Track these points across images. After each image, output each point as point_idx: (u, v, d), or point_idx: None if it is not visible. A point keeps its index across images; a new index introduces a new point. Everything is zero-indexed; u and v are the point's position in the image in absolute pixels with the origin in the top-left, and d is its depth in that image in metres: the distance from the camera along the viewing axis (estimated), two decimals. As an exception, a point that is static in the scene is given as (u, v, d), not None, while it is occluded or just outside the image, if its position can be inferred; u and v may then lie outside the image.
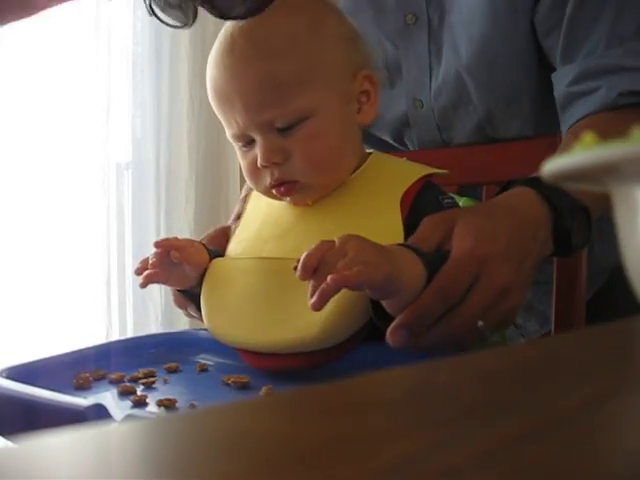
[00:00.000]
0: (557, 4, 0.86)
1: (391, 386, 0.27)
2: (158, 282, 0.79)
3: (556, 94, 0.88)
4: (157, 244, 0.78)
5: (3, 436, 0.54)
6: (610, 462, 0.18)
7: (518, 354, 0.33)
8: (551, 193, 0.67)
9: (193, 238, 0.86)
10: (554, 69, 0.89)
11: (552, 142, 0.87)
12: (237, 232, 0.83)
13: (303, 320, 0.70)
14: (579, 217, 0.68)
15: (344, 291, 0.65)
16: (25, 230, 1.54)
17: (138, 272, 0.77)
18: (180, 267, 0.78)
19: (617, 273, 0.97)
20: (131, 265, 1.59)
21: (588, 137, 0.28)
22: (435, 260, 0.63)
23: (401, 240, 0.69)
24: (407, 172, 0.75)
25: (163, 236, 1.58)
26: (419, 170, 0.75)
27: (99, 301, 1.62)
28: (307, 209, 0.77)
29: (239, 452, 0.18)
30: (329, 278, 0.57)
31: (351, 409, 0.23)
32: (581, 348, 0.34)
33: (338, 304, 0.68)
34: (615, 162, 0.25)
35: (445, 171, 0.76)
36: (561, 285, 0.87)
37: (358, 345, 0.73)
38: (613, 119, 0.80)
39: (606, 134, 0.78)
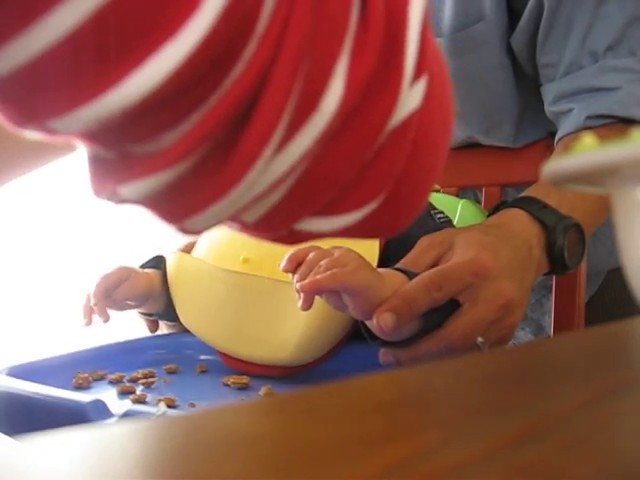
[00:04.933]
0: (532, 30, 0.85)
1: (390, 388, 0.27)
2: (100, 316, 0.80)
3: (545, 110, 0.87)
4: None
5: (3, 432, 0.54)
6: (609, 462, 0.18)
7: (517, 356, 0.33)
8: (541, 213, 0.68)
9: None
10: (535, 88, 0.89)
11: (551, 143, 0.87)
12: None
13: (277, 339, 0.70)
14: (571, 235, 0.68)
15: (318, 311, 0.64)
16: (25, 230, 1.54)
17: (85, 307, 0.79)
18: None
19: (614, 275, 0.97)
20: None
21: (587, 139, 0.28)
22: None
23: (375, 255, 0.69)
24: None
25: (163, 235, 1.58)
26: None
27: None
28: None
29: (238, 453, 0.18)
30: (301, 285, 0.57)
31: (350, 411, 0.23)
32: (579, 350, 0.34)
33: (311, 324, 0.68)
34: (614, 164, 0.25)
35: (437, 187, 0.77)
36: (560, 288, 0.87)
37: (338, 351, 0.73)
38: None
39: None
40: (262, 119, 0.24)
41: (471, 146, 0.99)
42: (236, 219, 0.29)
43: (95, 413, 0.52)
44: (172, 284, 0.80)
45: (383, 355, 0.63)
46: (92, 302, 0.79)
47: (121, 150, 0.26)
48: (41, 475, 0.17)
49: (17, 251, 1.53)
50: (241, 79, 0.24)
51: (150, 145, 0.25)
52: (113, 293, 0.78)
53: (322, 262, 0.59)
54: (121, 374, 0.71)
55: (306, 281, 0.57)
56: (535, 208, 0.68)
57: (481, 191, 0.99)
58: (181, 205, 0.27)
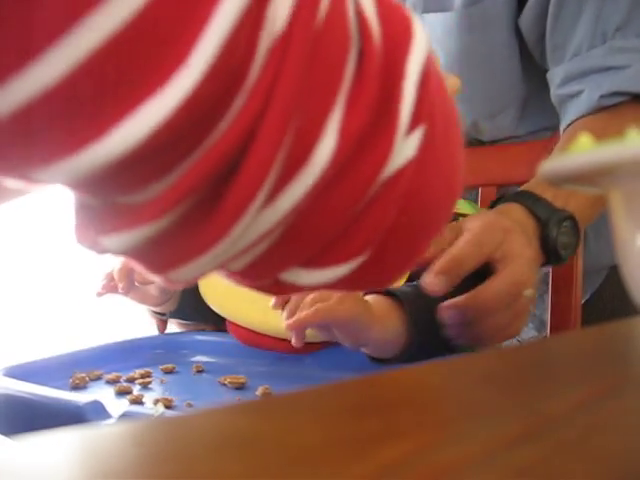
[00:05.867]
0: (540, 11, 0.85)
1: (388, 387, 0.27)
2: (120, 294, 0.80)
3: (551, 95, 0.88)
4: (113, 277, 0.79)
5: (1, 433, 0.54)
6: (609, 462, 0.18)
7: (515, 355, 0.33)
8: (535, 206, 0.69)
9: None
10: (540, 74, 0.89)
11: (548, 144, 0.87)
12: None
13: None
14: (566, 227, 0.69)
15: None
16: (25, 230, 1.53)
17: (104, 285, 0.79)
18: (143, 286, 0.80)
19: (615, 272, 0.98)
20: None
21: (583, 138, 0.28)
22: (416, 297, 0.64)
23: None
24: None
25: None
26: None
27: (96, 302, 1.61)
28: None
29: (236, 453, 0.18)
30: (287, 324, 0.60)
31: (348, 410, 0.23)
32: (579, 350, 0.34)
33: (340, 299, 0.69)
34: (610, 164, 0.25)
35: (470, 208, 0.77)
36: (557, 286, 0.87)
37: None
38: (602, 121, 0.80)
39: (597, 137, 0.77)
40: (249, 173, 0.24)
41: (469, 145, 0.99)
42: (221, 268, 0.29)
43: (93, 414, 0.52)
44: None
45: (444, 310, 0.63)
46: (117, 270, 0.78)
47: (106, 199, 0.25)
48: (39, 475, 0.17)
49: (15, 251, 1.53)
50: (228, 133, 0.23)
51: (135, 196, 0.25)
52: (136, 276, 0.78)
53: (307, 297, 0.60)
54: (118, 374, 0.71)
55: (292, 320, 0.60)
56: (530, 201, 0.69)
57: (477, 192, 0.99)
58: (165, 257, 0.27)
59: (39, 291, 1.55)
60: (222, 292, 0.79)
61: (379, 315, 0.62)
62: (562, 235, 0.69)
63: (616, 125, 0.76)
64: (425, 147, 0.28)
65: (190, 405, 0.61)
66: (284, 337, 0.73)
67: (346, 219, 0.27)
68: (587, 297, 0.97)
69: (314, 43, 0.25)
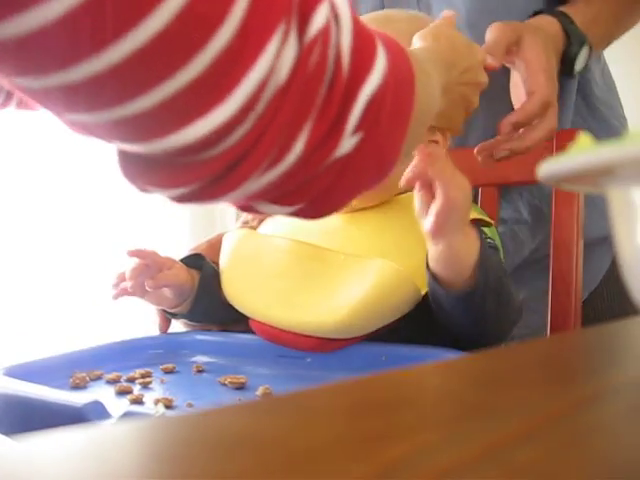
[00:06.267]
0: None
1: (389, 388, 0.27)
2: (134, 296, 0.80)
3: None
4: (133, 253, 0.79)
5: (1, 433, 0.54)
6: (608, 462, 0.18)
7: (515, 356, 0.33)
8: (569, 27, 0.85)
9: (191, 235, 0.87)
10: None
11: (549, 145, 0.87)
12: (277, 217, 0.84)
13: (327, 307, 0.71)
14: (584, 49, 0.86)
15: (380, 285, 0.69)
16: (24, 230, 1.53)
17: (115, 288, 0.79)
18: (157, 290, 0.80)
19: (612, 272, 0.98)
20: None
21: (583, 138, 0.28)
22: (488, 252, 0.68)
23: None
24: None
25: (162, 235, 1.58)
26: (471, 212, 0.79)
27: (96, 301, 1.61)
28: (353, 216, 0.79)
29: (236, 453, 0.18)
30: (406, 177, 0.64)
31: (349, 411, 0.23)
32: (578, 349, 0.34)
33: (364, 302, 0.70)
34: (611, 163, 0.25)
35: (489, 220, 0.79)
36: (557, 286, 0.87)
37: (369, 337, 0.73)
38: None
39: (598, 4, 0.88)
40: (251, 162, 0.41)
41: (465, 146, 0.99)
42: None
43: (93, 414, 0.52)
44: (226, 257, 0.82)
45: (499, 153, 0.76)
46: (128, 274, 0.79)
47: (172, 159, 0.41)
48: (39, 475, 0.17)
49: (16, 250, 1.53)
50: (245, 137, 0.39)
51: (194, 157, 0.40)
52: (156, 275, 0.79)
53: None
54: (118, 374, 0.71)
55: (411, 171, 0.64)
56: (565, 22, 0.85)
57: (477, 192, 0.99)
58: (197, 200, 0.44)
59: (39, 291, 1.55)
60: (244, 290, 0.79)
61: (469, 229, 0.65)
62: (580, 55, 0.86)
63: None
64: (360, 143, 0.44)
65: (190, 405, 0.61)
66: (308, 334, 0.73)
67: (302, 181, 0.44)
68: (586, 296, 0.97)
69: (303, 85, 0.40)
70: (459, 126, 0.73)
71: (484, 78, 0.70)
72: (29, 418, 0.57)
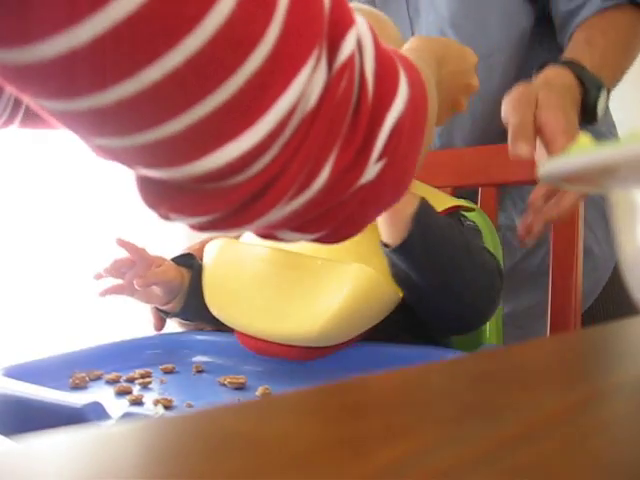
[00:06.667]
0: None
1: (388, 387, 0.27)
2: (123, 294, 0.80)
3: (555, 19, 0.95)
4: (122, 244, 0.80)
5: (1, 434, 0.54)
6: (608, 462, 0.18)
7: (514, 355, 0.33)
8: (582, 74, 0.82)
9: (187, 236, 0.87)
10: (537, 12, 0.97)
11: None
12: None
13: (306, 317, 0.71)
14: (602, 93, 0.84)
15: (357, 292, 0.70)
16: (25, 230, 1.53)
17: (98, 277, 0.80)
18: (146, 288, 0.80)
19: (613, 282, 0.99)
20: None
21: (583, 138, 0.28)
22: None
23: None
24: (439, 200, 0.79)
25: (162, 235, 1.58)
26: (450, 201, 0.80)
27: (96, 301, 1.61)
28: None
29: (236, 453, 0.18)
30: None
31: (348, 410, 0.23)
32: (578, 350, 0.34)
33: (347, 304, 0.70)
34: (611, 163, 0.25)
35: (472, 206, 0.80)
36: (557, 287, 0.87)
37: (353, 342, 0.73)
38: (607, 18, 0.90)
39: (608, 25, 0.89)
40: (277, 190, 0.39)
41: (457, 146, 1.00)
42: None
43: (93, 415, 0.52)
44: (208, 268, 0.81)
45: (536, 225, 0.76)
46: (110, 266, 0.79)
47: (196, 187, 0.39)
48: (39, 476, 0.17)
49: (16, 250, 1.53)
50: (269, 166, 0.38)
51: (218, 183, 0.39)
52: (145, 273, 0.79)
53: None
54: (118, 374, 0.71)
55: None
56: (577, 69, 0.82)
57: (476, 192, 0.99)
58: (226, 229, 0.42)
59: (38, 291, 1.55)
60: (226, 303, 0.79)
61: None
62: (599, 101, 0.83)
63: (619, 18, 0.89)
64: (383, 170, 0.44)
65: (190, 406, 0.61)
66: (291, 344, 0.73)
67: (329, 208, 0.43)
68: (586, 307, 0.98)
69: (331, 112, 0.39)
70: (443, 122, 0.72)
71: (475, 82, 0.70)
72: (28, 419, 0.57)
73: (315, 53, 0.37)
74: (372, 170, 0.43)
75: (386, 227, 0.70)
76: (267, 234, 0.45)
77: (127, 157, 0.38)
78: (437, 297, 0.71)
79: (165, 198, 0.41)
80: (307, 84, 0.37)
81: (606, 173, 0.26)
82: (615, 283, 0.98)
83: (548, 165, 0.28)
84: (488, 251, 0.77)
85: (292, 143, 0.38)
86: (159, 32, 0.33)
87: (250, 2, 0.34)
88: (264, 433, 0.20)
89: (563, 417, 0.21)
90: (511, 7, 0.97)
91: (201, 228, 0.42)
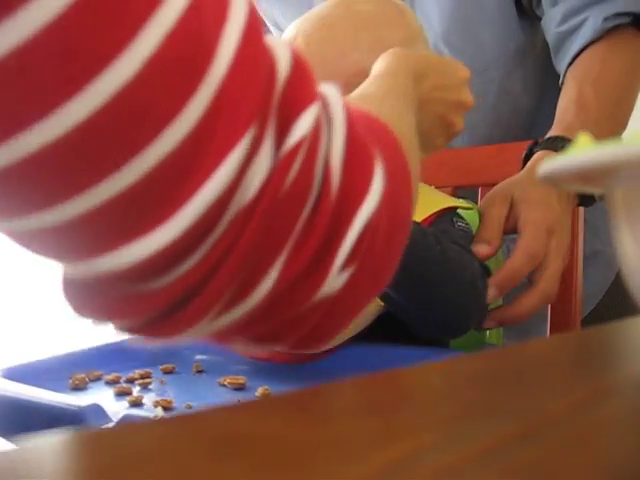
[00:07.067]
0: None
1: (388, 387, 0.27)
2: None
3: (548, 39, 0.92)
4: None
5: (0, 436, 0.54)
6: (608, 462, 0.18)
7: (514, 355, 0.33)
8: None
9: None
10: (533, 27, 0.95)
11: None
12: None
13: None
14: None
15: None
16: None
17: None
18: None
19: (612, 292, 0.99)
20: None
21: (584, 138, 0.28)
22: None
23: None
24: (436, 200, 0.78)
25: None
26: (446, 201, 0.79)
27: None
28: None
29: (236, 454, 0.18)
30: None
31: (347, 411, 0.23)
32: (578, 350, 0.34)
33: None
34: (611, 163, 0.25)
35: (470, 205, 0.79)
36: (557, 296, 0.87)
37: (349, 344, 0.73)
38: (606, 48, 0.85)
39: (603, 68, 0.81)
40: (206, 297, 0.32)
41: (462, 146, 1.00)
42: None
43: (92, 417, 0.52)
44: None
45: (488, 323, 0.72)
46: None
47: (124, 290, 0.33)
48: (37, 476, 0.17)
49: (13, 250, 1.53)
50: (190, 273, 0.31)
51: (134, 285, 0.32)
52: None
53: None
54: (118, 374, 0.71)
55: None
56: (565, 148, 0.75)
57: (476, 192, 0.99)
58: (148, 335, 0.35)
59: (38, 291, 1.55)
60: None
61: None
62: None
63: (618, 51, 0.84)
64: (352, 279, 0.36)
65: (190, 407, 0.61)
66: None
67: (283, 321, 0.35)
68: (585, 314, 0.98)
69: (276, 206, 0.32)
70: (439, 147, 0.68)
71: (467, 98, 0.65)
72: (28, 421, 0.57)
73: (251, 133, 0.30)
74: (337, 280, 0.35)
75: None
76: (220, 342, 0.38)
77: (24, 243, 0.32)
78: (417, 311, 0.70)
79: (81, 296, 0.35)
80: (241, 171, 0.30)
81: (606, 173, 0.26)
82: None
83: (548, 165, 0.28)
84: (469, 252, 0.74)
85: (222, 244, 0.31)
86: (35, 98, 0.27)
87: (168, 69, 0.28)
88: (264, 433, 0.20)
89: (563, 417, 0.21)
90: (506, 22, 0.96)
91: (126, 332, 0.36)
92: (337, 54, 0.61)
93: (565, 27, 0.88)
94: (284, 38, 0.75)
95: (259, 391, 0.64)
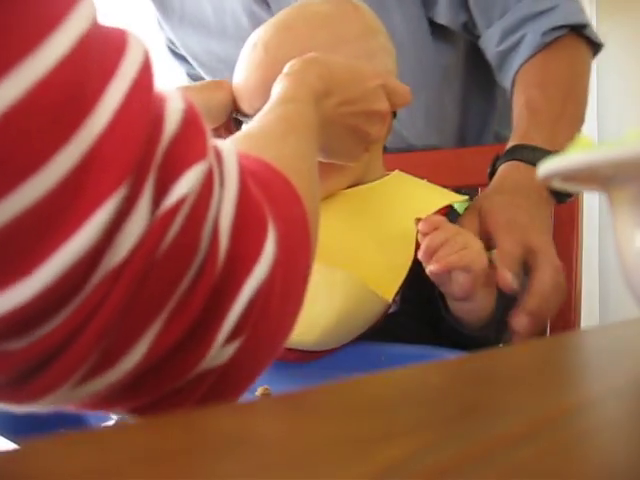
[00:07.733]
0: None
1: (388, 387, 0.27)
2: None
3: (489, 58, 0.94)
4: None
5: (1, 435, 0.54)
6: (607, 462, 0.18)
7: (514, 355, 0.33)
8: (533, 157, 0.75)
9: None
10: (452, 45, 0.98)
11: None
12: None
13: (306, 321, 0.71)
14: None
15: (351, 297, 0.69)
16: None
17: None
18: None
19: None
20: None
21: (583, 139, 0.28)
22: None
23: (411, 252, 0.71)
24: (434, 197, 0.78)
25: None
26: (443, 198, 0.78)
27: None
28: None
29: (236, 453, 0.18)
30: (435, 268, 0.64)
31: (348, 410, 0.23)
32: (578, 350, 0.34)
33: (340, 313, 0.69)
34: (611, 163, 0.25)
35: (465, 197, 0.79)
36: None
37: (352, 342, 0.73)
38: (547, 55, 0.87)
39: (546, 73, 0.82)
40: (65, 364, 0.29)
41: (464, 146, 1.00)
42: None
43: (92, 417, 0.52)
44: None
45: (516, 323, 0.68)
46: None
47: None
48: (38, 476, 0.17)
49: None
50: (50, 335, 0.28)
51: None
52: None
53: (451, 241, 0.64)
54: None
55: (437, 264, 0.64)
56: (527, 155, 0.76)
57: (475, 192, 0.99)
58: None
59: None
60: None
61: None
62: None
63: (559, 58, 0.85)
64: (240, 350, 0.33)
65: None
66: (289, 347, 0.73)
67: (162, 393, 0.33)
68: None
69: (151, 269, 0.29)
70: (358, 157, 0.68)
71: (380, 106, 0.64)
72: (27, 421, 0.57)
73: (122, 192, 0.28)
74: (222, 353, 0.33)
75: (474, 320, 0.70)
76: (98, 409, 0.35)
77: None
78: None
79: None
80: (111, 230, 0.29)
81: (607, 173, 0.26)
82: None
83: (548, 165, 0.28)
84: None
85: (88, 304, 0.29)
86: None
87: (36, 117, 0.27)
88: (264, 433, 0.20)
89: (563, 417, 0.21)
90: (425, 51, 0.97)
91: None
92: (297, 55, 0.61)
93: (504, 46, 0.90)
94: (245, 48, 0.75)
95: (259, 391, 0.64)
